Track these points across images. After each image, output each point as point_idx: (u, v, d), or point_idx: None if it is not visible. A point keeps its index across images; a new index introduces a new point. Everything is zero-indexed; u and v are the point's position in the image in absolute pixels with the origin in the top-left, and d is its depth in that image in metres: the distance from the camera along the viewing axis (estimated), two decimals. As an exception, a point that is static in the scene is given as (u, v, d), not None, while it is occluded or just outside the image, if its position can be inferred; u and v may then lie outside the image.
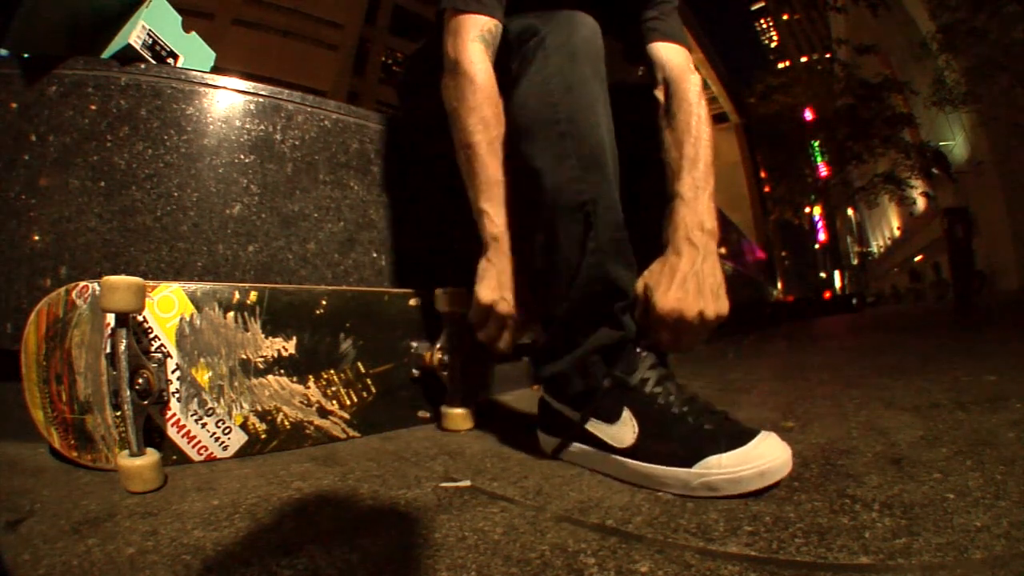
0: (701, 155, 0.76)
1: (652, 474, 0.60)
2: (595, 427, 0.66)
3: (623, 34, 0.92)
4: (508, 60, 0.75)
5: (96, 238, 0.84)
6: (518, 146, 0.71)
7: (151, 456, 0.63)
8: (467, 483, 0.64)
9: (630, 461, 0.62)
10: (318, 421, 0.84)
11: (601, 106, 0.70)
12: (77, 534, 0.50)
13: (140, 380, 0.68)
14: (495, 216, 0.73)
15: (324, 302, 0.87)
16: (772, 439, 0.58)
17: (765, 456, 0.56)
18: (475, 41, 0.74)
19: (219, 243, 0.90)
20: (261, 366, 0.81)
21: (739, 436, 0.57)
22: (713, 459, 0.56)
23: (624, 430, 0.63)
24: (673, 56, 0.86)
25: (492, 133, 0.73)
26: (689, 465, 0.57)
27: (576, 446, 0.69)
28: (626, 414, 0.63)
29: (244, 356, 0.79)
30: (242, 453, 0.77)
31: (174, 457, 0.72)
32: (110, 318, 0.69)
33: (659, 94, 0.84)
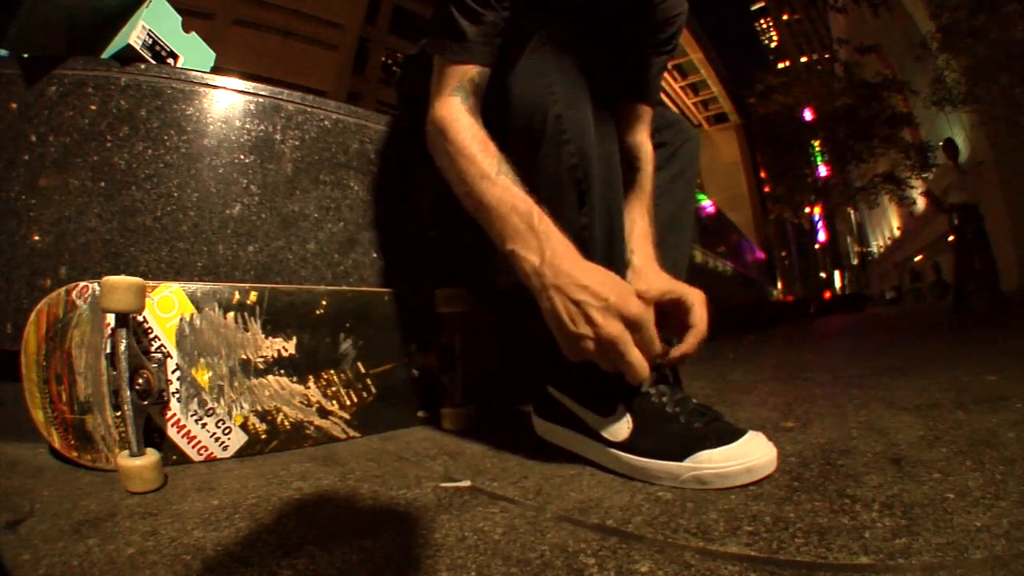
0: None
1: (644, 467, 0.62)
2: (590, 419, 0.68)
3: (617, 59, 0.87)
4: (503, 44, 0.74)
5: (96, 238, 0.84)
6: (512, 125, 0.71)
7: (151, 456, 0.63)
8: (467, 483, 0.64)
9: (624, 454, 0.64)
10: (318, 421, 0.84)
11: (588, 94, 0.72)
12: (77, 534, 0.50)
13: (140, 380, 0.69)
14: (529, 246, 0.63)
15: (324, 302, 0.88)
16: (759, 438, 0.61)
17: (752, 454, 0.59)
18: (454, 95, 0.71)
19: (219, 243, 0.90)
20: (261, 366, 0.81)
21: (728, 434, 0.60)
22: (703, 454, 0.59)
23: (620, 425, 0.65)
24: (649, 156, 0.87)
25: (487, 164, 0.66)
26: (680, 460, 0.60)
27: (572, 434, 0.71)
28: (621, 409, 0.66)
29: (244, 356, 0.79)
30: (242, 453, 0.77)
31: (174, 457, 0.73)
32: (110, 318, 0.69)
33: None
